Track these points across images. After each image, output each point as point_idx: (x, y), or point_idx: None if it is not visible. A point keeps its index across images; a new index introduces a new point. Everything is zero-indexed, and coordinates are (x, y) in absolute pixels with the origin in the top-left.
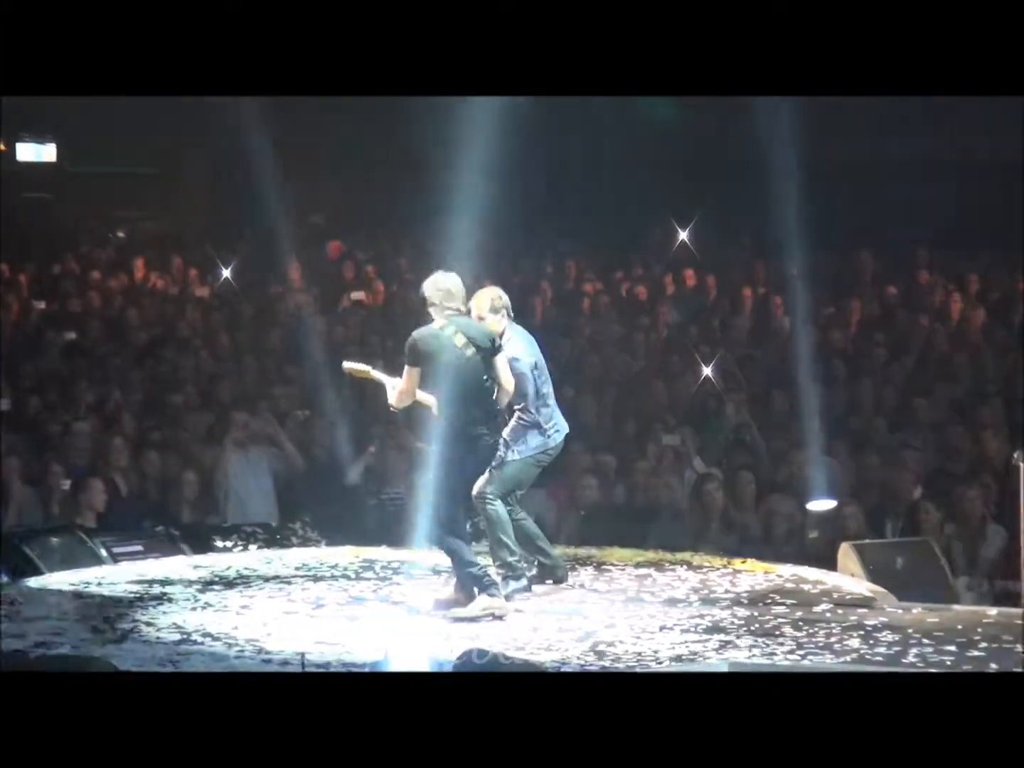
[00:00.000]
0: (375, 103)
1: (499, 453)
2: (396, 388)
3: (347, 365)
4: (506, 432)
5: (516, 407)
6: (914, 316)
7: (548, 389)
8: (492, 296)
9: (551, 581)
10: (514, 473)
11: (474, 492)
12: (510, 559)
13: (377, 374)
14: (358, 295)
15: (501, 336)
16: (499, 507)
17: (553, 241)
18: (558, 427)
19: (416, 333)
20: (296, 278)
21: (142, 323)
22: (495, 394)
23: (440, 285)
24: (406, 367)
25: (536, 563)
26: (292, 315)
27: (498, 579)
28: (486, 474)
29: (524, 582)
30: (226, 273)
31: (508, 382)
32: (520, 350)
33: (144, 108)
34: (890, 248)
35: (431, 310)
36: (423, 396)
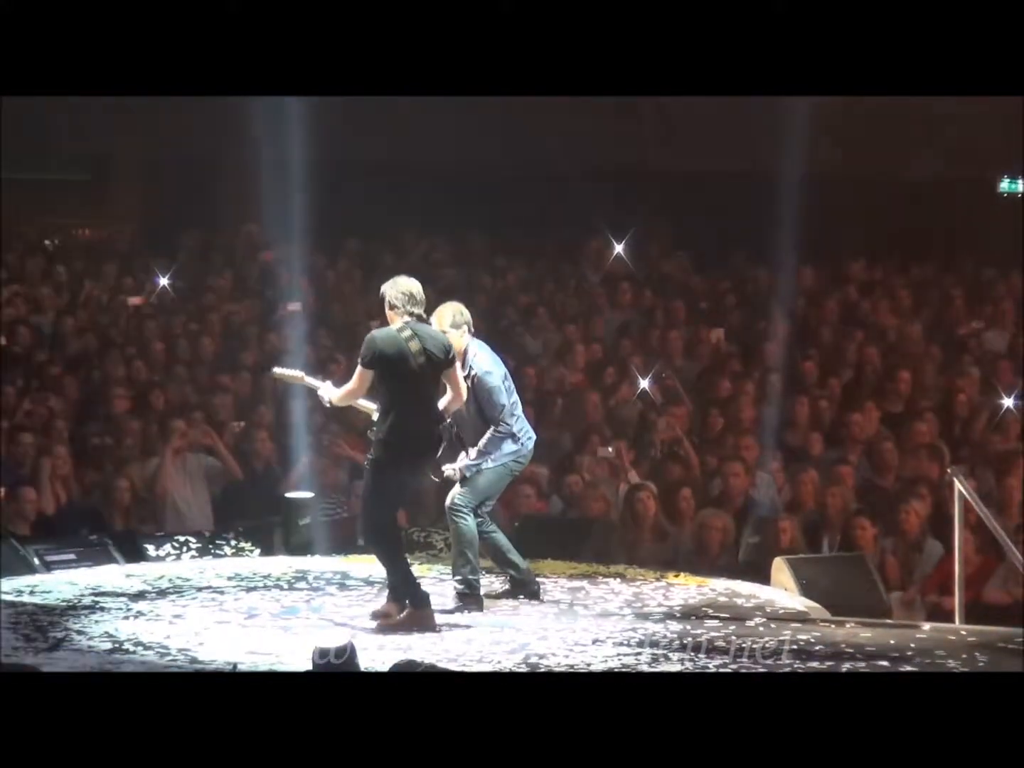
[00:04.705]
0: (312, 110)
1: (469, 463)
2: (332, 390)
3: (277, 371)
4: (481, 443)
5: (492, 421)
6: (849, 331)
7: (516, 398)
8: (454, 311)
9: (524, 596)
10: (488, 482)
11: (447, 503)
12: (470, 577)
13: (310, 380)
14: (294, 305)
15: (465, 354)
16: (470, 521)
17: (488, 253)
18: (529, 434)
19: (376, 332)
20: (230, 287)
21: (76, 331)
22: (444, 403)
23: (402, 288)
24: (360, 367)
25: (508, 578)
26: (226, 324)
27: (446, 593)
28: (458, 484)
29: (477, 603)
30: (162, 281)
31: (461, 391)
32: (490, 364)
33: (77, 114)
34: (825, 263)
35: (390, 313)
36: (363, 403)
